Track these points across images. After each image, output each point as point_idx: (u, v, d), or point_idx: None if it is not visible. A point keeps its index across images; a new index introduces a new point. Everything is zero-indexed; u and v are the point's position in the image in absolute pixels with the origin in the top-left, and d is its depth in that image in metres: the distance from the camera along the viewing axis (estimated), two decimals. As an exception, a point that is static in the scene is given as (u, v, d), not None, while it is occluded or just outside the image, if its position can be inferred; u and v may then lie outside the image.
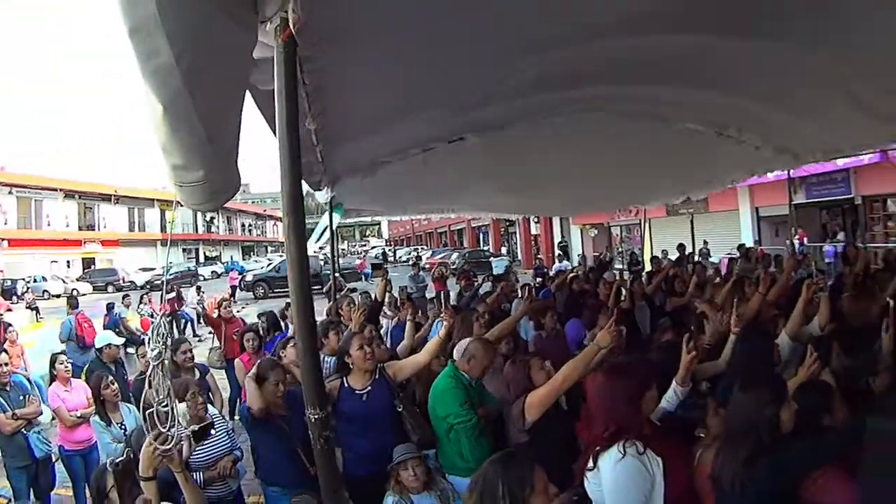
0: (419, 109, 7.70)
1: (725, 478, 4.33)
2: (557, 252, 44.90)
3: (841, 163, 23.29)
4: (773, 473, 4.16)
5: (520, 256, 63.76)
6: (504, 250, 69.01)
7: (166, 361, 4.54)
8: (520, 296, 14.02)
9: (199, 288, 36.13)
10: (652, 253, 28.16)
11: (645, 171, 14.20)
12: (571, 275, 17.55)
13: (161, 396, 4.51)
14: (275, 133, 3.90)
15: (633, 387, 4.75)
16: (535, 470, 3.97)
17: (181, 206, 4.59)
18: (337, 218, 12.31)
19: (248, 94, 4.48)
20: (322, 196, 10.66)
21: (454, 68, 6.50)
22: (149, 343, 4.46)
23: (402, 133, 8.57)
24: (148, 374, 4.51)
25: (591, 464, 4.64)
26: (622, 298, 11.72)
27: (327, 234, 12.26)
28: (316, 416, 3.93)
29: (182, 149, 3.58)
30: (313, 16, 3.75)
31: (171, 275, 62.44)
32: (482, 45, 6.07)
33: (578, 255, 38.79)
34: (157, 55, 2.90)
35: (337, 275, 15.48)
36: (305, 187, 9.73)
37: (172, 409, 4.64)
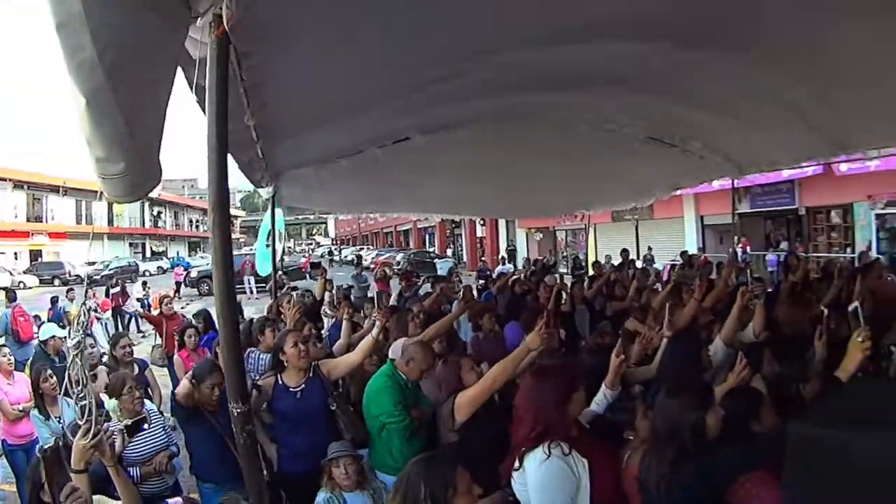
0: (361, 108, 7.74)
1: (651, 481, 4.39)
2: (501, 255, 45.13)
3: (786, 174, 23.68)
4: (698, 478, 4.20)
5: (465, 258, 63.87)
6: (449, 252, 69.07)
7: (85, 352, 4.52)
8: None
9: (145, 283, 35.81)
10: (596, 258, 28.41)
11: (589, 176, 14.38)
12: (514, 277, 17.66)
13: (80, 387, 4.49)
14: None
15: (560, 388, 4.79)
16: (458, 471, 4.00)
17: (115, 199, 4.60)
18: (280, 215, 12.32)
19: (192, 89, 4.51)
20: (265, 193, 10.65)
21: (395, 69, 6.57)
22: (69, 334, 4.45)
23: (346, 131, 8.59)
24: (68, 364, 4.49)
25: (517, 464, 4.68)
26: (563, 302, 11.78)
27: (279, 229, 12.26)
28: (238, 410, 3.95)
29: (104, 142, 3.59)
30: (248, 12, 3.78)
31: (111, 269, 61.90)
32: (423, 47, 6.14)
33: (524, 259, 38.93)
34: (82, 50, 2.92)
35: (280, 272, 15.46)
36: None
37: (92, 400, 4.61)
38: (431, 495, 3.86)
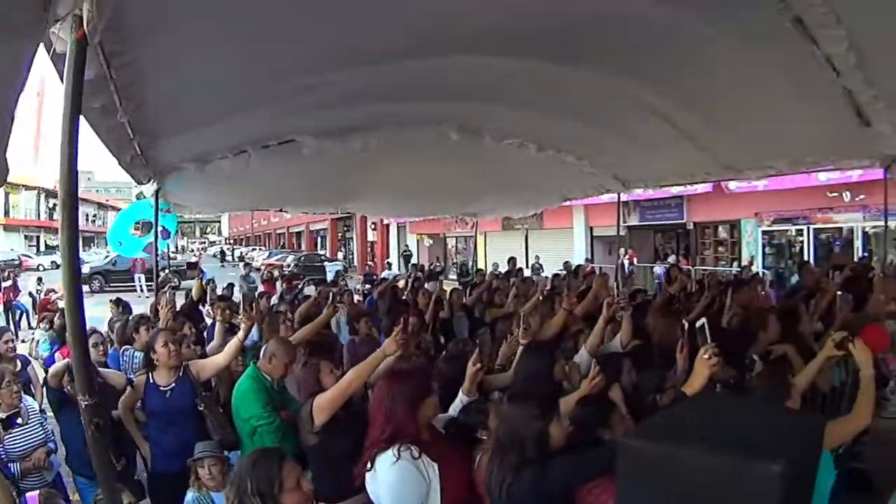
0: (240, 109, 7.80)
1: (494, 485, 4.46)
2: (388, 260, 45.13)
3: (675, 190, 24.21)
4: (539, 485, 4.30)
5: (356, 262, 63.65)
6: (340, 255, 68.71)
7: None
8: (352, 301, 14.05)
9: (39, 279, 35.01)
10: (486, 265, 28.58)
11: (477, 184, 14.67)
12: (400, 283, 17.71)
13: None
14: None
15: (411, 392, 4.90)
16: (285, 467, 4.08)
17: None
18: (172, 214, 12.25)
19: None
20: (148, 190, 10.58)
21: (268, 73, 6.71)
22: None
23: (226, 131, 8.62)
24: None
25: (369, 465, 4.77)
26: (442, 308, 11.90)
27: (172, 228, 12.18)
28: (86, 403, 3.97)
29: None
30: (113, 14, 3.83)
31: (-1, 262, 60.54)
32: (298, 50, 6.30)
33: (411, 265, 38.88)
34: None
35: (169, 271, 15.31)
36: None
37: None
38: (258, 490, 3.95)
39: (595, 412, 5.12)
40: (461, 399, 5.96)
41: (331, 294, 10.71)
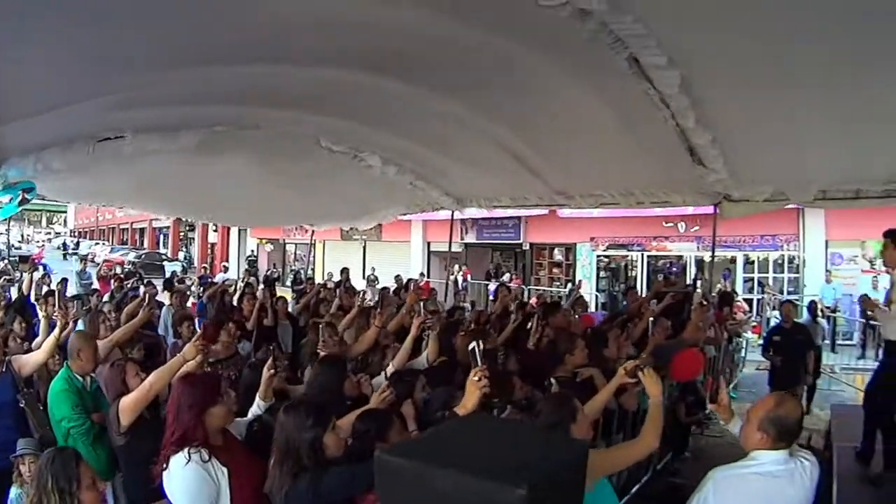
0: (71, 100, 7.63)
1: (275, 491, 4.63)
2: (224, 263, 44.46)
3: (513, 211, 24.62)
4: (311, 492, 4.49)
5: (196, 263, 62.41)
6: (181, 255, 67.30)
7: None
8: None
9: None
10: (323, 274, 28.62)
11: (312, 193, 14.79)
12: (230, 288, 17.62)
13: None
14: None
15: (199, 398, 4.98)
16: (81, 466, 4.27)
17: None
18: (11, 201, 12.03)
19: None
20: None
21: (94, 68, 6.70)
22: None
23: (64, 120, 8.35)
24: None
25: (164, 465, 4.87)
26: (266, 315, 11.88)
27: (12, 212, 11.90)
28: None
29: None
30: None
31: None
32: (121, 49, 6.37)
33: (246, 269, 38.26)
34: None
35: (6, 262, 14.97)
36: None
37: None
38: (57, 487, 4.10)
39: (375, 425, 5.21)
40: (258, 404, 6.04)
41: (146, 296, 10.60)
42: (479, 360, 5.25)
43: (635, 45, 6.27)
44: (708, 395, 9.18)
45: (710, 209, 11.90)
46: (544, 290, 28.35)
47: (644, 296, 14.17)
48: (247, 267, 39.50)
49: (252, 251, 51.73)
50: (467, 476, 2.92)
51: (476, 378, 5.10)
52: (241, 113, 9.28)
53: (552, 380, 6.97)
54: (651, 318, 9.62)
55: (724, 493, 4.19)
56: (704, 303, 12.41)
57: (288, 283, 34.59)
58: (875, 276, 22.33)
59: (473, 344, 5.36)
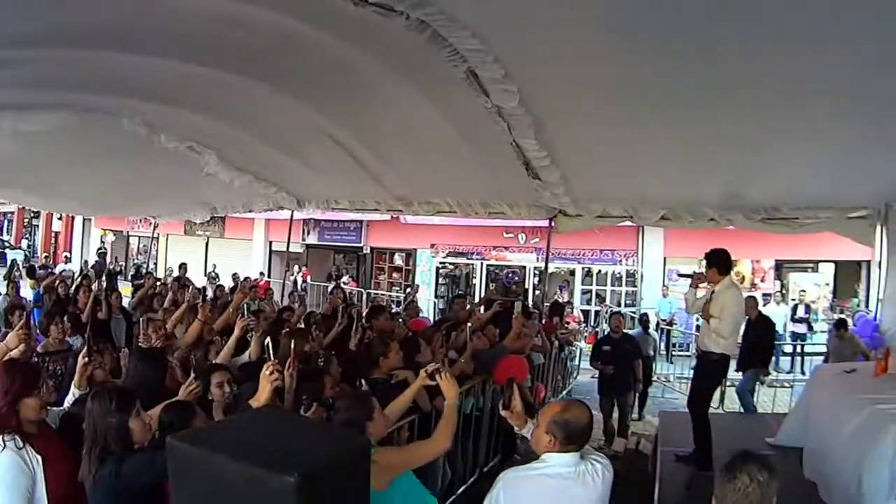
0: None
1: (85, 476, 4.64)
2: (65, 253, 43.47)
3: (355, 214, 24.59)
4: (114, 476, 4.52)
5: (39, 252, 60.66)
6: (25, 243, 65.34)
7: None
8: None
9: None
10: (165, 268, 28.27)
11: (151, 183, 14.94)
12: (68, 280, 17.30)
13: None
14: None
15: (14, 386, 4.90)
16: None
17: None
18: None
19: None
20: None
21: None
22: None
23: None
24: None
25: None
26: (100, 308, 11.71)
27: None
28: None
29: None
30: None
31: None
32: None
33: (85, 261, 37.36)
34: None
35: None
36: None
37: None
38: None
39: (178, 416, 5.28)
40: (73, 392, 6.05)
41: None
42: (271, 355, 5.49)
43: (473, 59, 6.43)
44: (536, 403, 9.34)
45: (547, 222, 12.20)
46: (383, 294, 28.71)
47: (476, 303, 14.38)
48: (97, 258, 38.52)
49: (102, 244, 50.59)
50: (244, 464, 3.13)
51: (268, 372, 5.23)
52: (79, 99, 9.10)
53: (362, 380, 7.00)
54: (469, 326, 9.76)
55: (513, 493, 4.32)
56: (534, 311, 12.70)
57: (130, 276, 33.96)
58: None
59: (268, 340, 5.67)
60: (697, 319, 11.50)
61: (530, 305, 16.47)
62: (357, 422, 5.11)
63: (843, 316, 19.03)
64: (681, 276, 11.86)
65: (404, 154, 10.26)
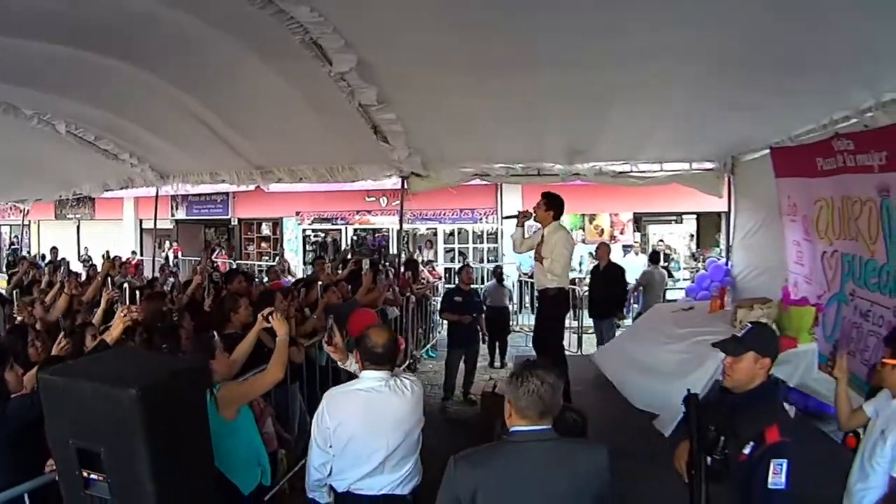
0: None
1: None
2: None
3: (222, 187, 24.64)
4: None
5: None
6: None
7: None
8: None
9: None
10: (39, 254, 28.11)
11: (14, 164, 15.00)
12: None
13: None
14: None
15: None
16: None
17: None
18: None
19: None
20: None
21: None
22: None
23: None
24: None
25: None
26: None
27: None
28: None
29: None
30: None
31: None
32: None
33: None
34: None
35: None
36: None
37: None
38: None
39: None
40: None
41: None
42: (127, 301, 6.83)
43: (315, 30, 6.94)
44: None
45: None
46: (252, 264, 28.74)
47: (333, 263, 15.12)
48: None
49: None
50: (98, 383, 3.97)
51: (123, 314, 6.32)
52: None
53: (214, 332, 7.59)
54: (320, 283, 10.72)
55: (335, 406, 5.10)
56: (382, 268, 13.53)
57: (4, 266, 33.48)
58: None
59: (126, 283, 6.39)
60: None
61: (387, 263, 17.25)
62: (202, 358, 5.81)
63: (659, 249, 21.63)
64: (505, 218, 12.47)
65: (259, 124, 10.69)
